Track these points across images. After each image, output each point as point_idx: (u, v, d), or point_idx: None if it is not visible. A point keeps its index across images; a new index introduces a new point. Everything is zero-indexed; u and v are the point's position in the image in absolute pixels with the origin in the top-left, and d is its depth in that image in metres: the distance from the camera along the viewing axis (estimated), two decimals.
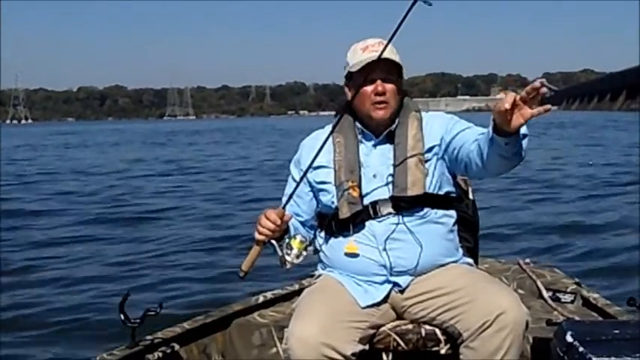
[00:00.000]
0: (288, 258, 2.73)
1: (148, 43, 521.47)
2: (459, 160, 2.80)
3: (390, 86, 2.85)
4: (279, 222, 2.70)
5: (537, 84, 2.42)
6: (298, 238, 2.75)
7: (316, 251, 2.94)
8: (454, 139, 2.83)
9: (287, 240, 2.75)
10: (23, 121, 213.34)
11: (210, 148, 36.26)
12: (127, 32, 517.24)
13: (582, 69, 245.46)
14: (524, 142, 2.55)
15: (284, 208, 2.78)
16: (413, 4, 2.67)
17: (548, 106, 2.42)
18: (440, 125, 2.91)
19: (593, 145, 28.70)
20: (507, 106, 2.41)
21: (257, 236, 2.72)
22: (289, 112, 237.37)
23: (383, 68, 2.83)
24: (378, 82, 2.84)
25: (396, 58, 2.85)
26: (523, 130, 2.51)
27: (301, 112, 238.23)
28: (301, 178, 2.87)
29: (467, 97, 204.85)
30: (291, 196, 2.84)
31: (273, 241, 2.74)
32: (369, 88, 2.85)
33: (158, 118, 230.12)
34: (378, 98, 2.84)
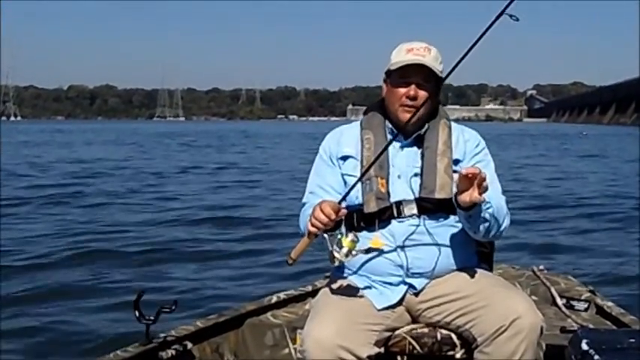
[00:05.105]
0: (337, 255, 2.68)
1: (139, 43, 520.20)
2: None
3: (423, 93, 2.86)
4: (333, 216, 2.64)
5: (483, 174, 2.57)
6: (350, 237, 2.70)
7: (368, 251, 2.83)
8: None
9: (338, 237, 2.70)
10: (12, 118, 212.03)
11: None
12: (118, 32, 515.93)
13: (572, 81, 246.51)
14: (494, 224, 2.76)
15: (340, 202, 2.71)
16: (497, 19, 2.68)
17: (482, 198, 2.59)
18: (470, 146, 2.96)
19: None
20: (464, 172, 2.57)
21: (310, 228, 2.67)
22: (279, 117, 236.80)
23: (420, 74, 2.85)
24: (413, 86, 2.85)
25: (435, 65, 2.87)
26: (486, 213, 2.71)
27: (291, 116, 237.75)
28: (362, 176, 2.83)
29: (457, 107, 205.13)
30: (348, 193, 2.79)
31: (325, 235, 2.70)
32: (402, 90, 2.87)
33: (148, 119, 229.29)
34: (409, 102, 2.86)
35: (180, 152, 35.21)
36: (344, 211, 2.71)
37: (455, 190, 2.71)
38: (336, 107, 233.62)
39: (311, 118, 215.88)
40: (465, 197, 2.60)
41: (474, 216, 2.70)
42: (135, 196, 15.43)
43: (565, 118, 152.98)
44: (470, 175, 2.55)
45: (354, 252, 2.70)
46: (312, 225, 2.66)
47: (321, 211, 2.65)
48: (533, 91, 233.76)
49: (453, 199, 2.70)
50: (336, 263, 2.73)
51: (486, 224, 2.75)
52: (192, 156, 31.69)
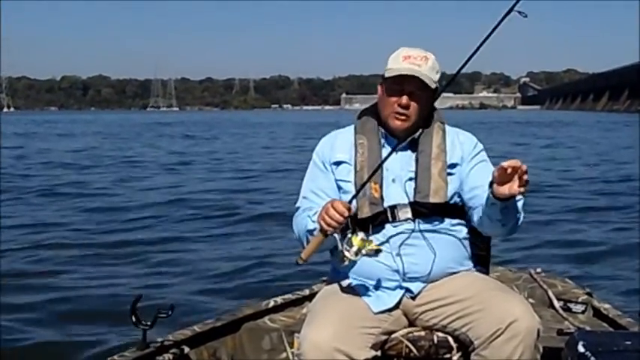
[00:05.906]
0: (347, 254, 2.68)
1: (131, 33, 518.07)
2: (467, 203, 2.88)
3: (415, 102, 2.86)
4: (346, 214, 2.63)
5: (524, 167, 2.50)
6: (360, 235, 2.69)
7: (377, 252, 2.79)
8: (471, 179, 2.87)
9: (348, 236, 2.69)
10: (5, 110, 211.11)
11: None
12: (110, 22, 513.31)
13: (566, 69, 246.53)
14: (519, 217, 2.74)
15: (350, 202, 2.69)
16: (506, 15, 2.66)
17: (522, 190, 2.50)
18: (467, 149, 2.95)
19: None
20: (505, 165, 2.49)
21: (324, 226, 2.64)
22: (273, 106, 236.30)
23: (414, 83, 2.84)
24: (405, 96, 2.85)
25: (431, 76, 2.86)
26: (519, 203, 2.68)
27: (285, 105, 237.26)
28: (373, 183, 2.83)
29: (451, 95, 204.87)
30: (358, 192, 2.79)
31: (336, 235, 2.68)
32: (394, 98, 2.86)
33: (141, 109, 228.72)
34: (400, 110, 2.86)
35: (171, 143, 35.19)
36: (353, 210, 2.70)
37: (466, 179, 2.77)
38: (330, 96, 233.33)
39: (305, 107, 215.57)
40: (505, 190, 2.52)
41: (509, 207, 2.63)
42: (122, 187, 15.52)
43: (558, 106, 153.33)
44: (510, 170, 2.49)
45: (364, 251, 2.70)
46: (327, 224, 2.63)
47: (335, 209, 2.62)
48: (527, 79, 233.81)
49: (489, 191, 2.61)
50: (345, 262, 2.73)
51: (518, 215, 2.72)
52: (183, 147, 31.70)
